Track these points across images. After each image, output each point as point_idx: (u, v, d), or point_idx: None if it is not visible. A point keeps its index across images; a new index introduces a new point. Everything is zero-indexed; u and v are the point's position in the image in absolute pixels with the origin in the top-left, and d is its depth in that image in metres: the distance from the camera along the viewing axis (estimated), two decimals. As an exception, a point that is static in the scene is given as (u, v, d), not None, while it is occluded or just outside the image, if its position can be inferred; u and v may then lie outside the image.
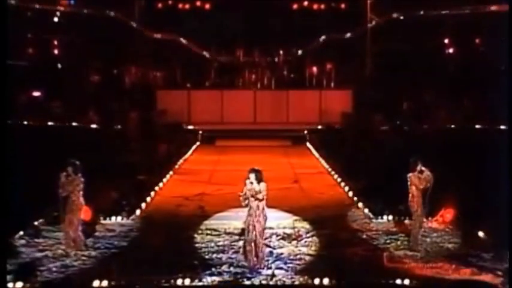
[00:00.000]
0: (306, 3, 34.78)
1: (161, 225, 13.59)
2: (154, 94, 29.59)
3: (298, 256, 11.40)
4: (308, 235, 12.69)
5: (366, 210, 14.47)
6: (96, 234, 12.81)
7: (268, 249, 11.41)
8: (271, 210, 11.52)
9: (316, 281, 10.01)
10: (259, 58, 33.16)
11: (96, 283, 9.85)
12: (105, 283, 9.88)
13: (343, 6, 34.36)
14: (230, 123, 28.34)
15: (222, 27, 34.48)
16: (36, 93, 29.67)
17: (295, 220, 13.75)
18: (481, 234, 12.36)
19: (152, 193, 16.14)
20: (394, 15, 33.09)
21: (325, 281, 9.98)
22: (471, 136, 23.60)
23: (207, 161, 22.03)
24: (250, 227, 10.51)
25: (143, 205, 14.90)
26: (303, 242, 12.27)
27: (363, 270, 10.53)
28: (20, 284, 9.81)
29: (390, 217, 13.78)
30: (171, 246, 12.02)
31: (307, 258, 11.35)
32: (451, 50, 34.21)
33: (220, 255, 11.43)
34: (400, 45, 32.00)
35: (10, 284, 9.71)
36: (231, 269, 10.67)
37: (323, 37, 34.06)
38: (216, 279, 10.18)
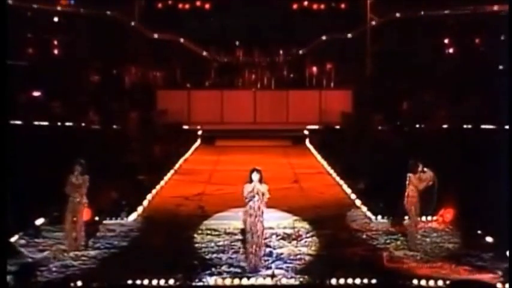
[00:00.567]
0: (306, 3, 34.83)
1: (161, 225, 13.59)
2: (154, 94, 29.61)
3: (298, 256, 11.39)
4: (308, 235, 12.69)
5: (366, 210, 14.47)
6: (96, 234, 12.81)
7: (268, 249, 11.40)
8: (271, 210, 11.53)
9: (317, 281, 10.01)
10: (259, 58, 33.21)
11: (96, 283, 9.84)
12: (105, 283, 9.87)
13: (343, 6, 34.44)
14: (230, 123, 28.34)
15: (222, 27, 34.52)
16: (36, 93, 29.64)
17: (295, 220, 13.74)
18: (480, 234, 12.36)
19: (152, 193, 16.14)
20: (394, 15, 33.10)
21: (326, 281, 9.97)
22: (471, 136, 23.57)
23: (207, 161, 22.02)
24: (253, 228, 10.48)
25: (143, 205, 14.90)
26: (302, 242, 12.26)
27: (362, 270, 10.52)
28: (20, 284, 9.80)
29: (390, 217, 13.78)
30: (171, 246, 12.01)
31: (307, 258, 11.34)
32: (451, 50, 34.22)
33: (220, 255, 11.42)
34: (400, 45, 32.03)
35: (10, 284, 9.71)
36: (231, 269, 10.66)
37: (323, 37, 34.08)
38: (216, 279, 10.18)
